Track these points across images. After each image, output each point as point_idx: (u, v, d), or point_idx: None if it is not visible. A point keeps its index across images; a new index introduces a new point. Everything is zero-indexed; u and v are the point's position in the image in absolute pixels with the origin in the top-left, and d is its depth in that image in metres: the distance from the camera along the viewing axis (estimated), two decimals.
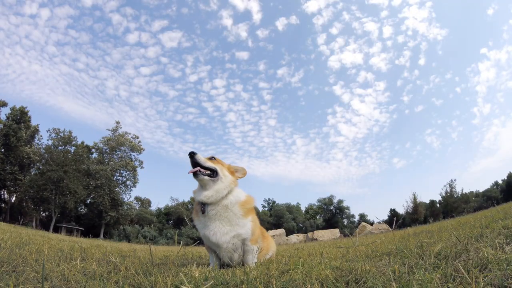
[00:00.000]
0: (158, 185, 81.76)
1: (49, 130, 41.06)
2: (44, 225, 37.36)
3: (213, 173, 2.34)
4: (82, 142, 44.30)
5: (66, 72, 64.45)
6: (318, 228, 46.09)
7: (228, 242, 2.23)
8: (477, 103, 77.19)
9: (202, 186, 2.34)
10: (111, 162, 44.75)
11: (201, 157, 2.36)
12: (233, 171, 2.53)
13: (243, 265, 2.28)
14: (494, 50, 74.07)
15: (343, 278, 1.38)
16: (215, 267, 2.27)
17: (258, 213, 2.60)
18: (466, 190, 44.15)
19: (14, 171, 38.04)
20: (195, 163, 2.33)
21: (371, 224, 25.11)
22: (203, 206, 2.28)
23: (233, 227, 2.25)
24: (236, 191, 2.39)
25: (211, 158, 2.45)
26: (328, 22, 78.98)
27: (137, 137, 48.09)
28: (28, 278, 1.44)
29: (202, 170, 2.30)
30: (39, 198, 36.26)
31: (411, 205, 41.36)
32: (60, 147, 40.93)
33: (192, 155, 2.33)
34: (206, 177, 2.30)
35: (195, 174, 2.29)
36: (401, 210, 44.33)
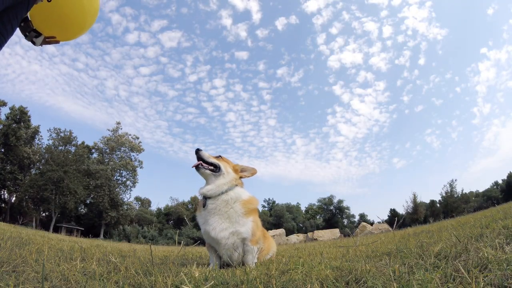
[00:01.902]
0: (158, 185, 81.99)
1: (49, 129, 41.17)
2: (44, 225, 37.36)
3: (216, 169, 2.43)
4: (83, 142, 44.30)
5: (65, 72, 64.54)
6: (318, 228, 46.07)
7: (227, 238, 2.24)
8: (477, 103, 77.43)
9: (205, 181, 2.44)
10: (111, 162, 44.76)
11: (206, 153, 2.48)
12: (237, 169, 2.57)
13: (243, 265, 2.29)
14: (494, 50, 74.35)
15: (343, 278, 1.38)
16: (215, 267, 2.27)
17: (259, 214, 2.61)
18: (466, 190, 44.28)
19: (14, 171, 38.04)
20: (199, 158, 2.44)
21: (371, 224, 25.11)
22: (205, 200, 2.34)
23: (232, 224, 2.26)
24: (238, 189, 2.41)
25: (218, 157, 2.54)
26: (328, 22, 79.32)
27: (137, 138, 48.17)
28: (28, 278, 1.44)
29: (204, 164, 2.40)
30: (39, 198, 36.27)
31: (411, 205, 41.42)
32: (60, 147, 40.96)
33: (197, 151, 2.46)
34: (208, 171, 2.39)
35: (197, 168, 2.39)
36: (401, 210, 44.44)
